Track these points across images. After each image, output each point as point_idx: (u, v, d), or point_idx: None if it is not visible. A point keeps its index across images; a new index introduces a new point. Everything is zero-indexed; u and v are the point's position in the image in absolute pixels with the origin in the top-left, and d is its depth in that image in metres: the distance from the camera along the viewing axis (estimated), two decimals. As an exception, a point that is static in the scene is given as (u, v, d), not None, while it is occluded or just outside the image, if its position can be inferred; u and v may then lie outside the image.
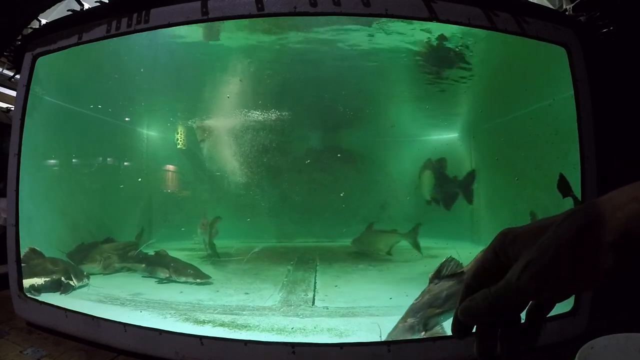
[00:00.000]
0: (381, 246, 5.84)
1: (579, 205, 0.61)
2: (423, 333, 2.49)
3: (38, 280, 3.81)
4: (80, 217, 5.25)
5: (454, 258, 2.60)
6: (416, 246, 5.65)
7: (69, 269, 4.09)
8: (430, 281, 2.59)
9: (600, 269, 0.56)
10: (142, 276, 4.65)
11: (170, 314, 3.39)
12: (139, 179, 7.21)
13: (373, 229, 6.15)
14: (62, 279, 3.98)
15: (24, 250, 3.70)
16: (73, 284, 4.01)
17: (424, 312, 2.51)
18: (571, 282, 0.58)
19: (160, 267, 4.58)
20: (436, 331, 2.52)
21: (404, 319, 2.59)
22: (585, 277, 0.57)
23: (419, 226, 5.78)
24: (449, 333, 2.57)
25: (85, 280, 4.19)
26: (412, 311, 2.58)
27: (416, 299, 2.61)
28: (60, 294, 3.84)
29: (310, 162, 7.45)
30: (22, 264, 3.73)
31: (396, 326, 2.60)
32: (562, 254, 0.57)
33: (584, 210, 0.59)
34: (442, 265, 2.58)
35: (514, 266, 0.62)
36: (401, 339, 2.52)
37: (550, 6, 3.34)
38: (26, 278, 3.71)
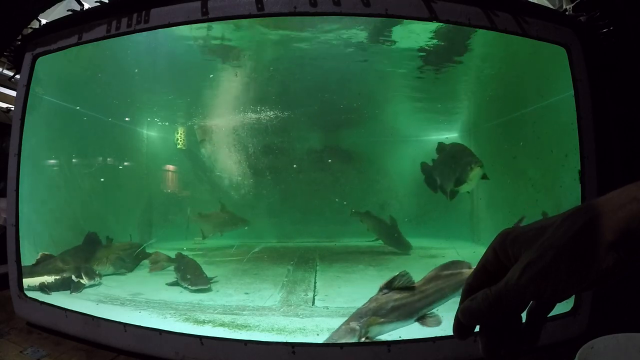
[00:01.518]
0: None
1: (578, 206, 0.62)
2: (364, 339, 2.58)
3: (48, 279, 3.84)
4: (69, 217, 5.16)
5: (407, 273, 2.72)
6: None
7: (80, 268, 4.09)
8: (380, 290, 2.69)
9: (601, 269, 0.56)
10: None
11: (170, 314, 3.39)
12: (120, 167, 7.07)
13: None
14: (73, 277, 3.98)
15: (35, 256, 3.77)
16: (84, 283, 4.01)
17: (367, 318, 2.59)
18: (572, 283, 0.57)
19: (176, 270, 4.52)
20: (377, 340, 2.63)
21: (347, 321, 2.65)
22: (585, 277, 0.57)
23: None
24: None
25: (97, 279, 4.18)
26: (356, 315, 2.65)
27: (363, 305, 2.70)
28: (71, 292, 3.86)
29: (296, 166, 7.43)
30: (34, 264, 3.80)
31: (339, 327, 2.66)
32: (563, 254, 0.57)
33: (583, 210, 0.59)
34: (394, 278, 2.68)
35: (514, 267, 0.62)
36: (342, 341, 2.59)
37: (550, 6, 3.34)
38: (36, 276, 3.76)
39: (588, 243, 0.56)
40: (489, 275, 0.68)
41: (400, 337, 2.67)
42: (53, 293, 3.72)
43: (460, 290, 2.14)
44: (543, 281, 0.58)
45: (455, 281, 2.67)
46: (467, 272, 2.64)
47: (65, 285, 3.92)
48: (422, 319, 2.62)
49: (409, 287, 2.64)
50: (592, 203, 0.59)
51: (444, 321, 2.97)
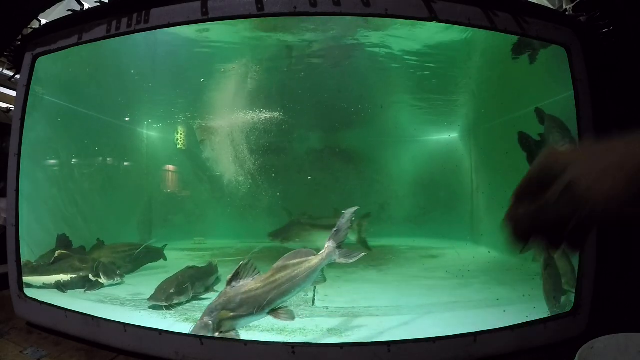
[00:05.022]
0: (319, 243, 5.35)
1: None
2: (217, 333, 2.53)
3: (64, 277, 3.86)
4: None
5: (251, 262, 2.64)
6: (362, 243, 5.14)
7: (99, 267, 4.08)
8: (228, 283, 2.60)
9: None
10: None
11: (170, 314, 3.39)
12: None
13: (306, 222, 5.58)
14: (90, 276, 3.98)
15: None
16: (102, 282, 4.00)
17: (218, 313, 2.55)
18: (617, 202, 0.59)
19: None
20: (230, 334, 2.56)
21: (202, 317, 2.60)
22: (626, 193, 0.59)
23: (365, 219, 5.15)
24: (242, 337, 2.58)
25: (117, 278, 4.17)
26: (208, 310, 2.59)
27: (214, 300, 2.65)
28: (85, 291, 3.87)
29: (296, 166, 7.30)
30: (51, 262, 3.86)
31: (197, 323, 2.62)
32: (608, 174, 0.60)
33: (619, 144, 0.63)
34: (239, 268, 2.59)
35: (554, 185, 0.65)
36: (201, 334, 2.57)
37: (550, 6, 3.34)
38: (52, 275, 3.82)
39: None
40: (535, 190, 0.70)
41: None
42: (50, 294, 3.72)
43: (310, 279, 2.39)
44: (587, 199, 0.60)
45: (304, 269, 2.63)
46: (314, 259, 2.66)
47: (83, 283, 3.93)
48: (274, 312, 2.55)
49: (256, 278, 2.58)
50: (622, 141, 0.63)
51: (432, 321, 3.02)
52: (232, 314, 2.52)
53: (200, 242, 7.01)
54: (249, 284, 2.55)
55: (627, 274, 3.43)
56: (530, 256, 4.15)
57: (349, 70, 5.69)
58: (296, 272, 2.61)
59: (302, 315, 3.33)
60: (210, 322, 2.53)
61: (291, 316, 2.54)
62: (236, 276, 2.58)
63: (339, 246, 2.70)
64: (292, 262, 2.65)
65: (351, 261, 2.70)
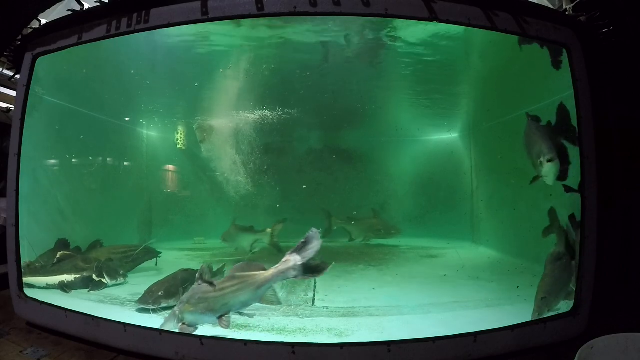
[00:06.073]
0: (243, 244, 5.76)
1: None
2: (180, 324, 2.71)
3: (68, 277, 3.87)
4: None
5: (209, 266, 2.79)
6: (275, 246, 5.44)
7: (102, 267, 4.09)
8: (196, 281, 2.78)
9: None
10: None
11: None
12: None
13: (235, 225, 6.01)
14: (94, 276, 3.99)
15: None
16: (106, 282, 4.01)
17: (183, 305, 2.73)
18: None
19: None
20: (189, 329, 2.71)
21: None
22: None
23: (279, 224, 5.53)
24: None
25: (121, 279, 4.18)
26: (179, 301, 2.81)
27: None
28: (89, 291, 3.88)
29: (296, 166, 7.25)
30: (55, 262, 3.89)
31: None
32: None
33: None
34: (201, 270, 2.75)
35: None
36: (169, 323, 2.76)
37: (550, 6, 3.34)
38: (55, 275, 3.85)
39: None
40: None
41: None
42: (50, 294, 3.72)
43: (254, 297, 2.33)
44: None
45: (246, 285, 2.58)
46: (261, 274, 2.56)
47: (86, 284, 3.94)
48: (219, 319, 2.64)
49: (210, 282, 2.70)
50: None
51: (432, 321, 2.98)
52: (192, 308, 2.69)
53: (200, 242, 7.01)
54: (207, 286, 2.70)
55: (626, 274, 3.43)
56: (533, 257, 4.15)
57: (348, 70, 5.68)
58: (238, 286, 2.63)
59: (302, 315, 3.33)
60: (177, 312, 2.71)
61: (227, 325, 2.62)
62: (200, 277, 2.73)
63: (307, 261, 2.43)
64: (239, 274, 2.68)
65: (319, 275, 2.49)
